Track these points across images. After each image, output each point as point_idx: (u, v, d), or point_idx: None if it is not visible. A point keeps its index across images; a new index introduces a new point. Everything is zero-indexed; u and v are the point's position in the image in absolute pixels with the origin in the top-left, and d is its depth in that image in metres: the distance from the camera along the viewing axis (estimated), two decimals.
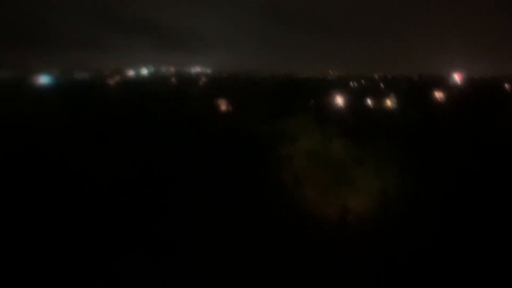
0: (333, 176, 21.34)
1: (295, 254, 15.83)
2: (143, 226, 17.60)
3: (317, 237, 17.47)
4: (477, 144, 24.62)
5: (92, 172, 21.83)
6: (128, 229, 17.27)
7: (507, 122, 33.59)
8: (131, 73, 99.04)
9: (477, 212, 18.18)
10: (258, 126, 29.84)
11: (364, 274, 14.82)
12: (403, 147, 22.93)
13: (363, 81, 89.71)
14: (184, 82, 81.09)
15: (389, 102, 51.20)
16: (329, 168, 21.83)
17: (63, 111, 34.46)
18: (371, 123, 34.09)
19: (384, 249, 16.24)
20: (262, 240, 16.38)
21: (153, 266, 14.96)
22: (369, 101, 49.51)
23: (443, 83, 69.33)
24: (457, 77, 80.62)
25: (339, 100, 46.77)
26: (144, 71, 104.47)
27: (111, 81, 74.79)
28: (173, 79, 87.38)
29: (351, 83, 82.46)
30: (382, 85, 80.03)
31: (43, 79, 66.60)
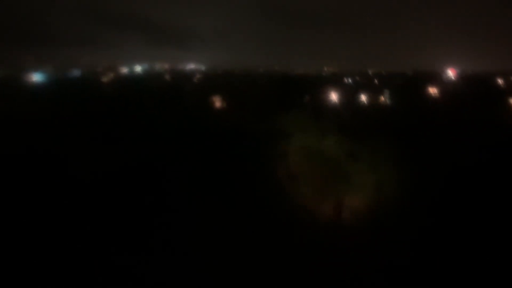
0: (328, 171, 21.37)
1: (291, 251, 15.85)
2: (141, 225, 17.50)
3: (313, 233, 17.50)
4: (471, 139, 24.82)
5: (87, 168, 21.68)
6: (128, 229, 17.16)
7: (500, 116, 33.97)
8: (125, 70, 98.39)
9: (472, 206, 18.34)
10: (253, 123, 29.78)
11: (360, 271, 14.87)
12: (398, 143, 23.00)
13: (357, 77, 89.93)
14: (178, 79, 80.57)
15: (383, 98, 51.48)
16: (324, 163, 21.84)
17: (57, 108, 34.17)
18: (366, 119, 34.21)
19: (379, 244, 16.30)
20: (259, 238, 16.37)
21: (153, 266, 14.89)
22: (363, 97, 49.69)
23: (437, 78, 69.76)
24: (451, 73, 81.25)
25: (334, 96, 46.87)
26: (138, 68, 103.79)
27: (105, 78, 74.19)
28: (167, 76, 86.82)
29: (345, 79, 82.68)
30: (376, 81, 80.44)
31: (37, 77, 65.97)
